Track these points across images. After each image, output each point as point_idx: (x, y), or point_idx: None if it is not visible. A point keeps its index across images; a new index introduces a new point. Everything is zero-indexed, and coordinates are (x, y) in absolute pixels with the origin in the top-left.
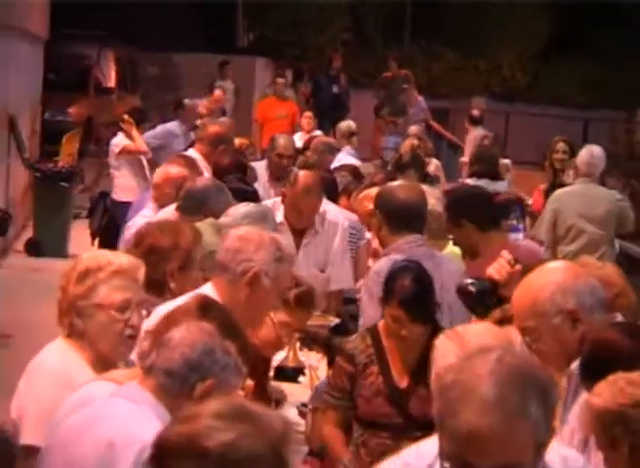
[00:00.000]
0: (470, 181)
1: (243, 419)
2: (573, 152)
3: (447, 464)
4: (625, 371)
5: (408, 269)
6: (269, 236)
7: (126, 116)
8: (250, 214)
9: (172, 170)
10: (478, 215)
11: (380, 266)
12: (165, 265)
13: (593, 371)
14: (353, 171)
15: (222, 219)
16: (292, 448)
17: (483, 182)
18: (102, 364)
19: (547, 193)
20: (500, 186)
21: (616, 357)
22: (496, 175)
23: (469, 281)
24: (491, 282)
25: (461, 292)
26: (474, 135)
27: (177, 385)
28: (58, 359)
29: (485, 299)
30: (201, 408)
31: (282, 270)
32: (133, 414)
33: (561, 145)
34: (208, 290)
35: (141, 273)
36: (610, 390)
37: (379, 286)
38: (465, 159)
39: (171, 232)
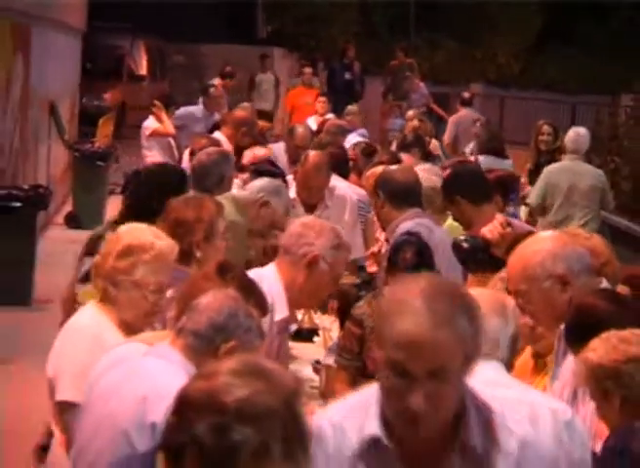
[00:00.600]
0: (481, 158)
1: (258, 376)
2: (557, 135)
3: (388, 373)
4: None
5: (409, 242)
6: (330, 225)
7: (156, 101)
8: (265, 189)
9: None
10: (471, 191)
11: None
12: (191, 237)
13: (576, 334)
14: (365, 149)
15: (241, 193)
16: (303, 402)
17: (491, 160)
18: (128, 328)
19: (531, 172)
20: (506, 165)
21: (598, 321)
22: (503, 154)
23: (463, 238)
24: (483, 240)
25: (456, 247)
26: (458, 115)
27: (203, 346)
28: (90, 320)
29: (477, 255)
30: (219, 365)
31: (339, 257)
32: (164, 371)
33: (546, 128)
34: (270, 269)
35: (175, 254)
36: (604, 347)
37: None
38: (446, 138)
39: (195, 206)
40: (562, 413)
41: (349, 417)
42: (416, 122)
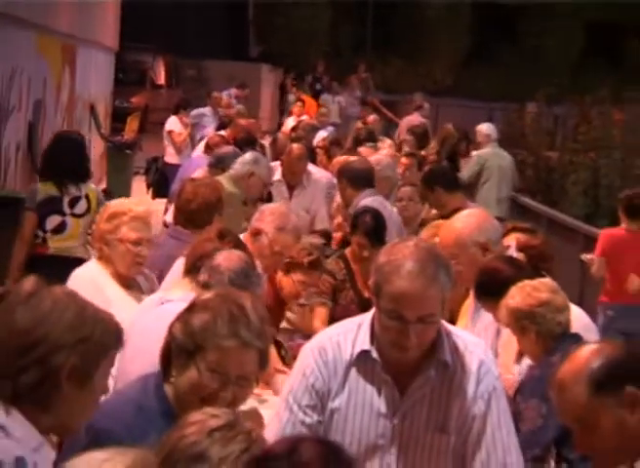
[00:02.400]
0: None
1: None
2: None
3: (386, 318)
4: (505, 292)
5: (368, 211)
6: (285, 212)
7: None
8: (247, 161)
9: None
10: (446, 181)
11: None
12: (215, 213)
13: (483, 289)
14: (332, 141)
15: (233, 168)
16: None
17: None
18: (120, 277)
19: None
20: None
21: (499, 280)
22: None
23: None
24: None
25: None
26: (408, 118)
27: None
28: (91, 272)
29: None
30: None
31: (280, 237)
32: None
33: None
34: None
35: (152, 218)
36: (520, 294)
37: None
38: (403, 136)
39: (213, 189)
40: (473, 346)
41: (344, 336)
42: (359, 123)
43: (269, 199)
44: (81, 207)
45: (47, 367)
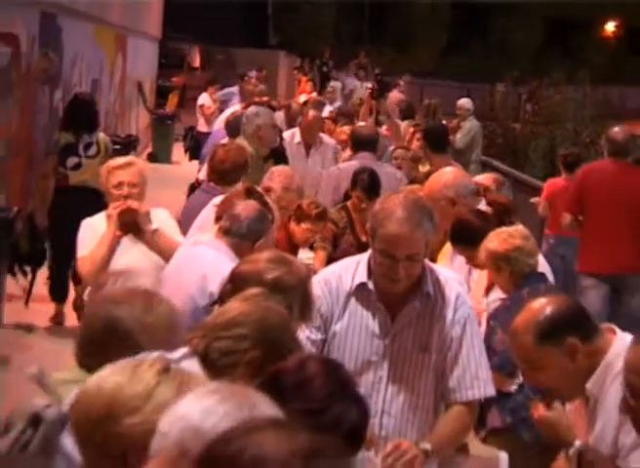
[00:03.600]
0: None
1: (284, 264)
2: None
3: (379, 256)
4: (477, 241)
5: (365, 170)
6: (291, 175)
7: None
8: (250, 118)
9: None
10: (433, 143)
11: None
12: (242, 173)
13: (455, 238)
14: (338, 113)
15: (242, 130)
16: (312, 283)
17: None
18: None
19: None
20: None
21: (470, 229)
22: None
23: None
24: None
25: None
26: (390, 95)
27: (243, 243)
28: (97, 220)
29: None
30: (259, 256)
31: (285, 196)
32: (217, 257)
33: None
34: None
35: (143, 170)
36: (498, 239)
37: None
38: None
39: (241, 152)
40: (452, 280)
41: (346, 271)
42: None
43: (285, 160)
44: (93, 150)
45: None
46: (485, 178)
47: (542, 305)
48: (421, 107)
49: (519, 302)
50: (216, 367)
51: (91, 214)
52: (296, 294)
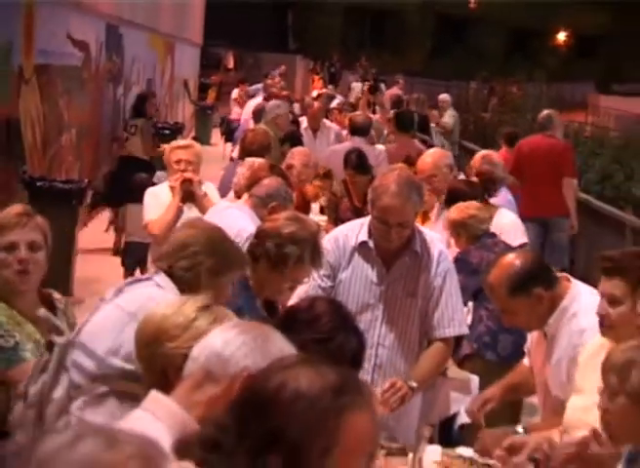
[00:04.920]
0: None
1: (298, 221)
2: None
3: (376, 222)
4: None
5: (354, 150)
6: (307, 153)
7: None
8: (271, 109)
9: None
10: (402, 125)
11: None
12: (267, 153)
13: (449, 201)
14: (344, 104)
15: (264, 118)
16: (321, 237)
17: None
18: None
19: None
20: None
21: (458, 195)
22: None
23: None
24: None
25: None
26: (390, 91)
27: (262, 204)
28: (158, 188)
29: None
30: (278, 215)
31: (305, 171)
32: (242, 217)
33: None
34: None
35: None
36: (457, 209)
37: None
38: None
39: (266, 136)
40: (437, 241)
41: (352, 231)
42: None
43: (300, 142)
44: (133, 129)
45: (192, 261)
46: (477, 156)
47: (511, 261)
48: (412, 100)
49: (468, 253)
50: (183, 281)
51: None
52: (307, 245)
